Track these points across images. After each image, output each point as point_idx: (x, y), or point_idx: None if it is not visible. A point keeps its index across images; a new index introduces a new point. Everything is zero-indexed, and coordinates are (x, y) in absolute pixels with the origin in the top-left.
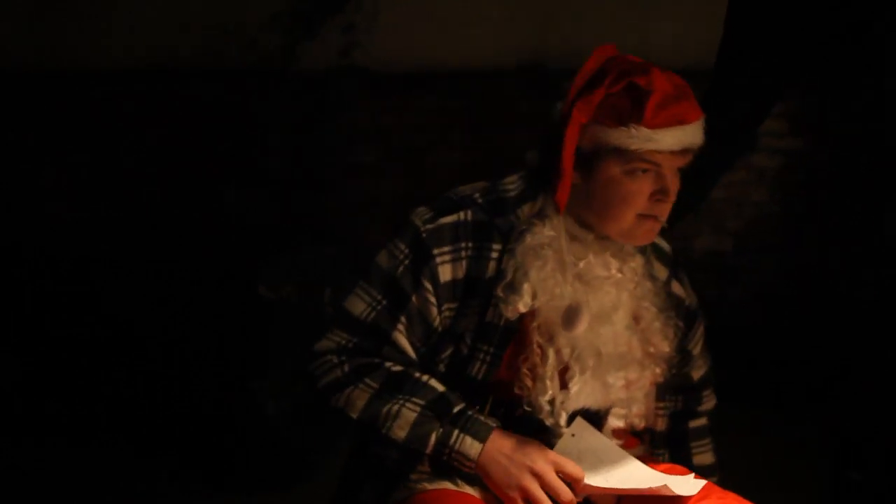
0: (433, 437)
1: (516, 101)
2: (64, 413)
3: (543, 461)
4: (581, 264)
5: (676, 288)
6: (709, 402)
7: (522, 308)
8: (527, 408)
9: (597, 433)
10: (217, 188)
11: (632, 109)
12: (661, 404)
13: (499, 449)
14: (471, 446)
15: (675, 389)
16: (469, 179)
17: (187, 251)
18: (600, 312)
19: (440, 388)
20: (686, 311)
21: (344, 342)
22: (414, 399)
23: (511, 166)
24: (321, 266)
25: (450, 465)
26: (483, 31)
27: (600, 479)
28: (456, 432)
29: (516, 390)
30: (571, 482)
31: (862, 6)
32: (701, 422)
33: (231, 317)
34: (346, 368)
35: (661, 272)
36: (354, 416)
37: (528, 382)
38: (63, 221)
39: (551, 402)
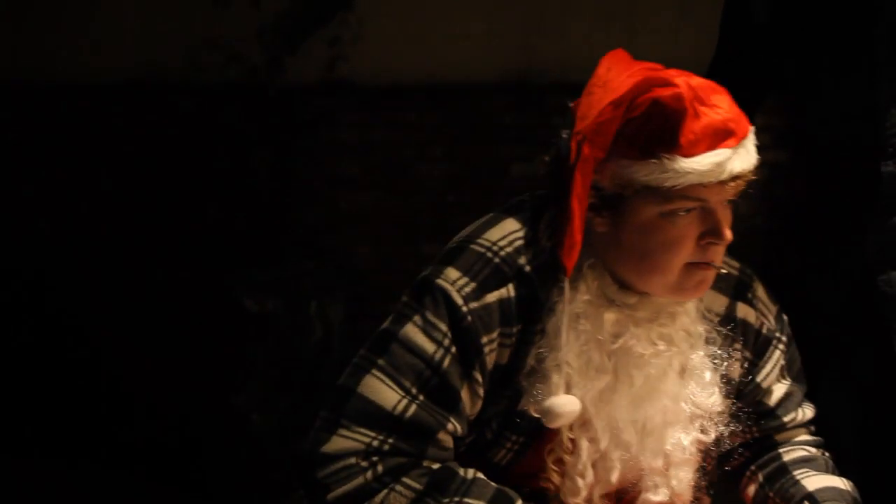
0: None
1: (500, 114)
2: (43, 431)
3: None
4: (620, 341)
5: (743, 312)
6: (798, 420)
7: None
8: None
9: None
10: (201, 202)
11: (661, 135)
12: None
13: None
14: None
15: (748, 421)
16: (452, 193)
17: (171, 265)
18: (645, 388)
19: (491, 484)
20: (756, 336)
21: (374, 443)
22: (467, 500)
23: (494, 180)
24: (305, 279)
25: None
26: (467, 45)
27: None
28: None
29: (542, 483)
30: None
31: (855, 14)
32: (793, 449)
33: (215, 331)
34: (379, 470)
35: (719, 303)
36: None
37: (556, 479)
38: (44, 236)
39: (588, 500)
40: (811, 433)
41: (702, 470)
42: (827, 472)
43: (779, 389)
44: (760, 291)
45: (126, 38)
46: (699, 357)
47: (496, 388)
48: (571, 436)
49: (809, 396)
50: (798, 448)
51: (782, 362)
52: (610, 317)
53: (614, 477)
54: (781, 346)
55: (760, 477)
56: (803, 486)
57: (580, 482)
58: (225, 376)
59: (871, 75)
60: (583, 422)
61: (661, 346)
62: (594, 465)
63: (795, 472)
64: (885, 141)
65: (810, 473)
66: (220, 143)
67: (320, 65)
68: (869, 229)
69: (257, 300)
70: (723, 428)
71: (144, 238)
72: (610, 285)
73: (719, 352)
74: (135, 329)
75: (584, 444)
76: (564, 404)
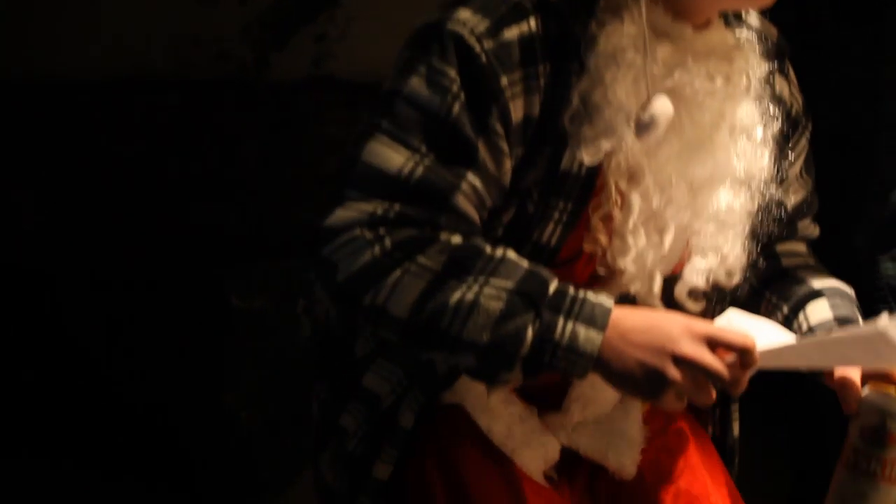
0: (529, 334)
1: None
2: (27, 430)
3: (691, 340)
4: (675, 75)
5: (780, 85)
6: (807, 232)
7: (607, 146)
8: (600, 271)
9: (751, 316)
10: (187, 199)
11: None
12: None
13: (624, 336)
14: (586, 340)
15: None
16: None
17: (157, 262)
18: (696, 136)
19: (523, 262)
20: (788, 115)
21: (379, 210)
22: (494, 282)
23: None
24: (293, 277)
25: (550, 368)
26: None
27: (776, 357)
28: (561, 322)
29: (585, 247)
30: (741, 356)
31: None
32: (798, 260)
33: (202, 328)
34: (388, 245)
35: (760, 65)
36: (403, 315)
37: (603, 239)
38: (27, 233)
39: (639, 262)
40: (811, 255)
41: (751, 237)
42: (829, 276)
43: (799, 191)
44: (791, 70)
45: (111, 35)
46: (752, 112)
47: (531, 147)
48: (620, 183)
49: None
50: (797, 257)
51: (805, 154)
52: (664, 48)
53: (668, 239)
54: (808, 135)
55: (753, 279)
56: (807, 284)
57: (630, 240)
58: (212, 374)
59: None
60: (631, 175)
61: (719, 83)
62: (645, 225)
63: (797, 273)
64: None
65: (812, 275)
66: (207, 140)
67: (307, 61)
68: (864, 215)
69: (244, 297)
70: (772, 194)
71: (130, 235)
72: (662, 15)
73: (770, 113)
74: (120, 326)
75: (636, 199)
76: (660, 106)
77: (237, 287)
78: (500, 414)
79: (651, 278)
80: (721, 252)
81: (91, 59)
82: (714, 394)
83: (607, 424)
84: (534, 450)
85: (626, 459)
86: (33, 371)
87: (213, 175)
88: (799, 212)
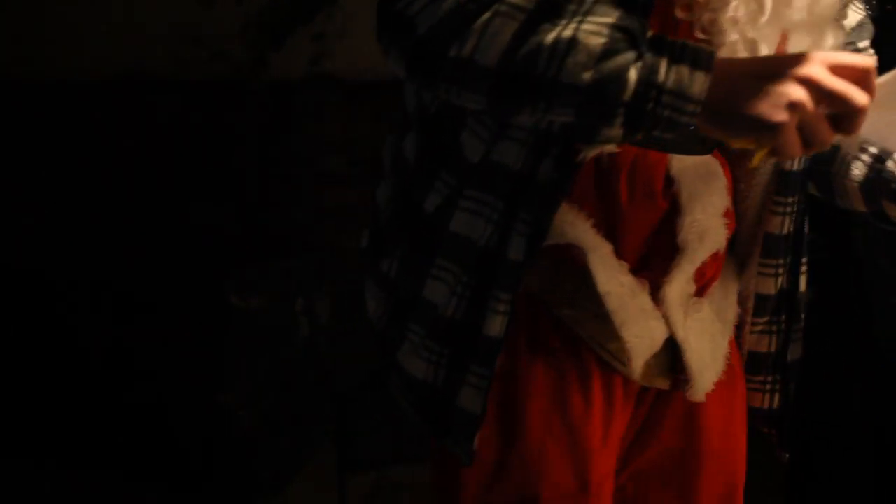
0: (632, 76)
1: None
2: (26, 430)
3: (811, 61)
4: None
5: None
6: None
7: None
8: (700, 34)
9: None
10: (185, 198)
11: None
12: None
13: (732, 70)
14: (692, 79)
15: None
16: None
17: (155, 262)
18: None
19: (615, 6)
20: None
21: None
22: (591, 18)
23: None
24: (291, 276)
25: (653, 120)
26: None
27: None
28: (664, 64)
29: (679, 14)
30: (862, 79)
31: None
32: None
33: (200, 327)
34: None
35: None
36: (493, 64)
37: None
38: (25, 233)
39: (740, 30)
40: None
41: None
42: None
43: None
44: None
45: (108, 35)
46: None
47: None
48: None
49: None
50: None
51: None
52: None
53: (767, 6)
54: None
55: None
56: None
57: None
58: (211, 373)
59: None
60: None
61: None
62: None
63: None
64: None
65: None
66: (205, 140)
67: (305, 60)
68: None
69: (243, 296)
70: None
71: (129, 235)
72: None
73: None
74: (120, 326)
75: None
76: None
77: (236, 286)
78: (613, 278)
79: (754, 50)
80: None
81: (89, 59)
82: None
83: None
84: (639, 331)
85: (707, 379)
86: (33, 371)
87: (212, 175)
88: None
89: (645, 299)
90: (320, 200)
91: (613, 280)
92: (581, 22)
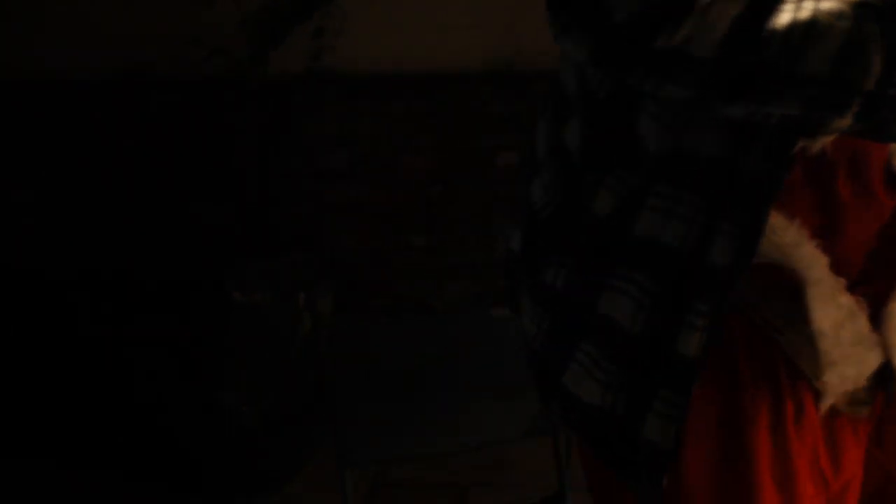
0: (877, 57)
1: (487, 103)
2: (25, 429)
3: None
4: None
5: None
6: None
7: None
8: None
9: None
10: (186, 195)
11: None
12: None
13: None
14: None
15: None
16: (439, 184)
17: (157, 258)
18: None
19: None
20: None
21: None
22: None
23: (481, 170)
24: (293, 271)
25: (892, 106)
26: (452, 35)
27: None
28: None
29: None
30: None
31: None
32: None
33: (202, 323)
34: None
35: None
36: (710, 54)
37: None
38: (26, 231)
39: None
40: None
41: None
42: None
43: None
44: None
45: (107, 34)
46: None
47: None
48: None
49: None
50: None
51: None
52: None
53: None
54: None
55: None
56: None
57: None
58: (212, 370)
59: None
60: None
61: None
62: None
63: None
64: None
65: None
66: (204, 137)
67: (305, 57)
68: None
69: (245, 291)
70: None
71: (130, 232)
72: None
73: None
74: (121, 322)
75: None
76: None
77: (237, 282)
78: (830, 301)
79: None
80: None
81: (87, 57)
82: None
83: None
84: (851, 365)
85: None
86: (32, 370)
87: (212, 171)
88: None
89: (863, 323)
90: (321, 197)
91: (830, 304)
92: (818, 1)
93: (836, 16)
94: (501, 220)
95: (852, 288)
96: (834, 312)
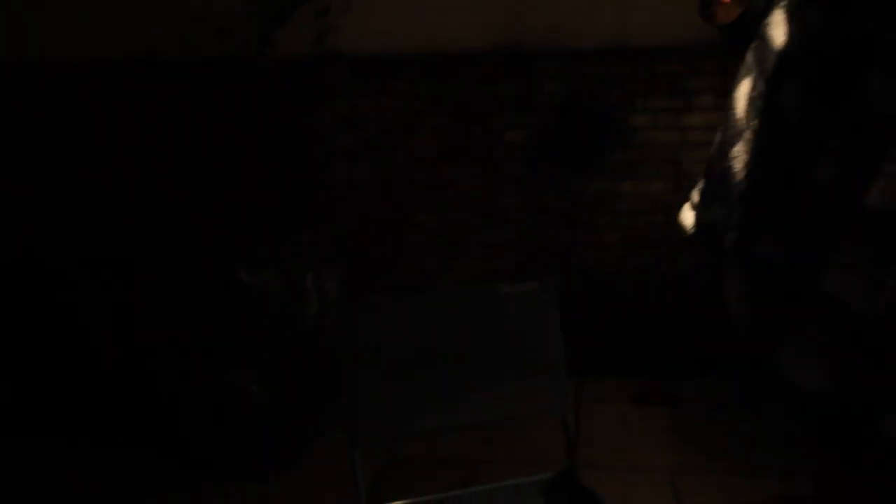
0: None
1: (493, 82)
2: (44, 407)
3: None
4: None
5: None
6: None
7: None
8: None
9: None
10: (195, 176)
11: None
12: None
13: None
14: None
15: None
16: (446, 163)
17: (165, 240)
18: None
19: None
20: None
21: None
22: None
23: (488, 148)
24: (301, 252)
25: None
26: (458, 14)
27: None
28: None
29: None
30: None
31: None
32: None
33: (211, 303)
34: None
35: None
36: None
37: None
38: (36, 214)
39: None
40: None
41: None
42: None
43: None
44: None
45: (113, 15)
46: None
47: None
48: None
49: None
50: None
51: None
52: None
53: None
54: None
55: None
56: None
57: None
58: (223, 350)
59: None
60: None
61: None
62: None
63: None
64: None
65: None
66: (212, 118)
67: (310, 37)
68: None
69: (253, 272)
70: None
71: (139, 214)
72: None
73: None
74: (132, 305)
75: None
76: None
77: (245, 262)
78: None
79: None
80: None
81: (90, 38)
82: None
83: None
84: None
85: None
86: (48, 351)
87: (219, 154)
88: None
89: None
90: (328, 177)
91: None
92: None
93: None
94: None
95: None
96: None
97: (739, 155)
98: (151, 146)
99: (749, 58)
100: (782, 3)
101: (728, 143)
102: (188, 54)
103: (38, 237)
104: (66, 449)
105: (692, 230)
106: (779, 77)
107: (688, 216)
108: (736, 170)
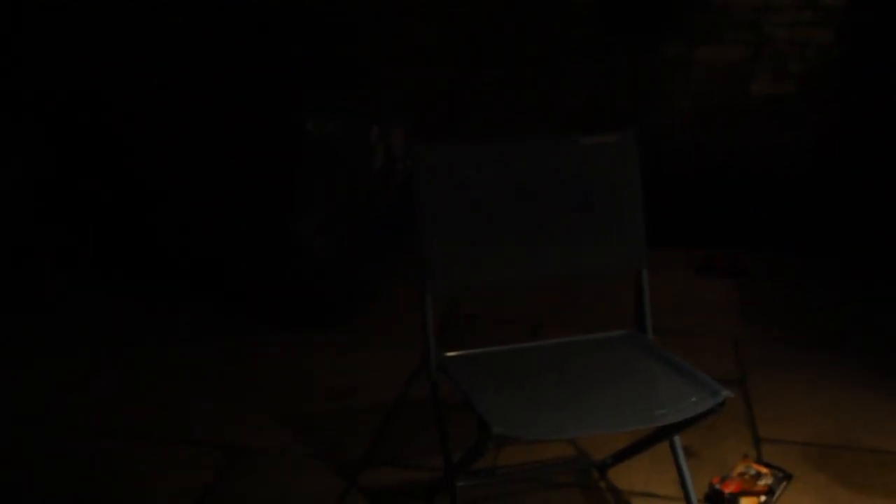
0: None
1: None
2: (110, 258)
3: None
4: None
5: None
6: None
7: None
8: None
9: None
10: (262, 25)
11: None
12: None
13: None
14: None
15: None
16: (510, 19)
17: (230, 89)
18: None
19: None
20: None
21: None
22: None
23: (552, 4)
24: (367, 105)
25: None
26: None
27: None
28: None
29: None
30: None
31: None
32: None
33: (275, 154)
34: None
35: None
36: None
37: None
38: (102, 59)
39: None
40: None
41: None
42: None
43: None
44: None
45: None
46: None
47: None
48: None
49: None
50: None
51: None
52: None
53: None
54: None
55: None
56: None
57: None
58: (289, 200)
59: None
60: None
61: None
62: None
63: None
64: None
65: None
66: None
67: None
68: None
69: (319, 123)
70: None
71: (203, 63)
72: None
73: None
74: (196, 153)
75: None
76: None
77: (311, 112)
78: None
79: None
80: None
81: None
82: None
83: None
84: None
85: None
86: (111, 197)
87: (285, 4)
88: None
89: None
90: (397, 32)
91: None
92: None
93: None
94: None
95: None
96: None
97: None
98: None
99: None
100: None
101: None
102: None
103: (96, 68)
104: (132, 304)
105: None
106: None
107: None
108: None
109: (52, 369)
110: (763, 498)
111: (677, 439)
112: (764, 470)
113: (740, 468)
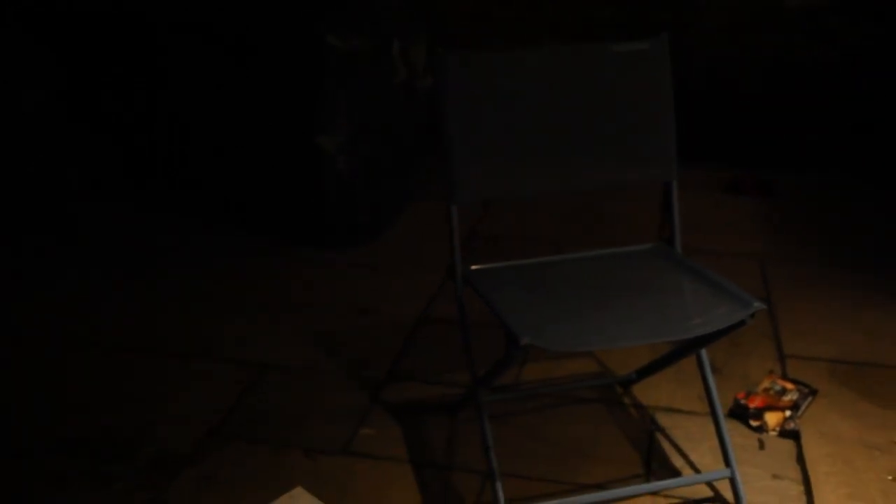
0: None
1: None
2: (142, 177)
3: None
4: None
5: None
6: None
7: None
8: None
9: None
10: None
11: None
12: None
13: None
14: None
15: None
16: None
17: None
18: None
19: None
20: None
21: None
22: None
23: None
24: (388, 19)
25: None
26: None
27: None
28: None
29: None
30: None
31: None
32: None
33: (299, 71)
34: None
35: None
36: None
37: None
38: None
39: None
40: None
41: None
42: None
43: None
44: None
45: None
46: None
47: None
48: None
49: None
50: None
51: None
52: None
53: None
54: None
55: None
56: None
57: None
58: (310, 114)
59: None
60: None
61: None
62: None
63: None
64: None
65: None
66: None
67: None
68: None
69: (341, 37)
70: None
71: None
72: None
73: None
74: (220, 72)
75: None
76: None
77: (332, 26)
78: None
79: None
80: None
81: None
82: None
83: None
84: None
85: None
86: (136, 120)
87: None
88: None
89: None
90: None
91: None
92: None
93: None
94: None
95: None
96: None
97: None
98: None
99: None
100: None
101: None
102: None
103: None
104: (160, 225)
105: None
106: None
107: None
108: None
109: (79, 290)
110: (788, 413)
111: (704, 353)
112: (789, 385)
113: (765, 384)
